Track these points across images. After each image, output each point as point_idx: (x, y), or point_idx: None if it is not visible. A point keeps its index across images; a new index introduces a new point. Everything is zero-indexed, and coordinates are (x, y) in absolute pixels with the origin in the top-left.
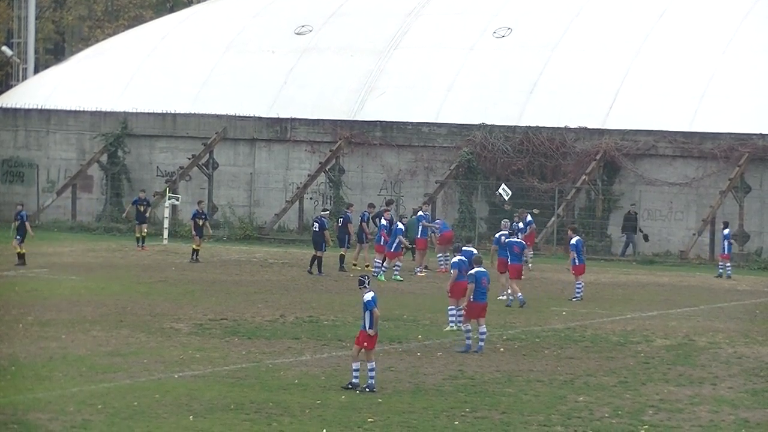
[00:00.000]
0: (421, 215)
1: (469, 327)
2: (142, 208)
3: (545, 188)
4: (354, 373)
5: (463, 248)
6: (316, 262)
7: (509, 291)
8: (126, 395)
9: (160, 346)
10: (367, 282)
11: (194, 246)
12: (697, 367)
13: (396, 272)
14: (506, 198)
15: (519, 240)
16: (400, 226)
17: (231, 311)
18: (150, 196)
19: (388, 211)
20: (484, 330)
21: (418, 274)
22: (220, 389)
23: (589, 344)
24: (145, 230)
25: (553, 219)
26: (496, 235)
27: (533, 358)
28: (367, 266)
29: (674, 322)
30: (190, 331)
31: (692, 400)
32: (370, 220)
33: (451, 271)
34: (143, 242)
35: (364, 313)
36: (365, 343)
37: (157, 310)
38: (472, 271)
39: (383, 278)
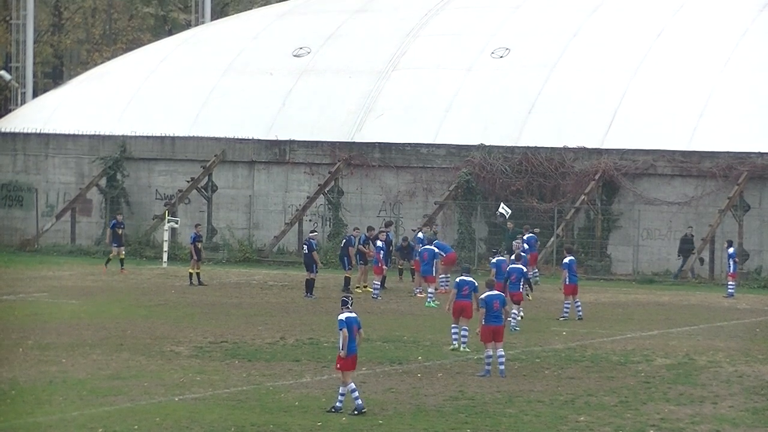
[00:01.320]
0: (420, 237)
1: (489, 352)
2: (120, 231)
3: (544, 208)
4: (339, 397)
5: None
6: (306, 283)
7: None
8: (127, 419)
9: (161, 369)
10: (350, 303)
11: (192, 270)
12: (698, 386)
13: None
14: (506, 216)
15: (519, 267)
16: (433, 248)
17: (231, 334)
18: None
19: (385, 232)
20: (502, 353)
21: (418, 294)
22: (220, 412)
23: (590, 364)
24: (123, 252)
25: (552, 239)
26: (495, 260)
27: (534, 378)
28: (366, 287)
29: (674, 341)
30: (190, 353)
31: (693, 419)
32: (369, 242)
33: (451, 291)
34: (122, 264)
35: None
36: (338, 365)
37: (157, 333)
38: (483, 296)
39: (433, 304)
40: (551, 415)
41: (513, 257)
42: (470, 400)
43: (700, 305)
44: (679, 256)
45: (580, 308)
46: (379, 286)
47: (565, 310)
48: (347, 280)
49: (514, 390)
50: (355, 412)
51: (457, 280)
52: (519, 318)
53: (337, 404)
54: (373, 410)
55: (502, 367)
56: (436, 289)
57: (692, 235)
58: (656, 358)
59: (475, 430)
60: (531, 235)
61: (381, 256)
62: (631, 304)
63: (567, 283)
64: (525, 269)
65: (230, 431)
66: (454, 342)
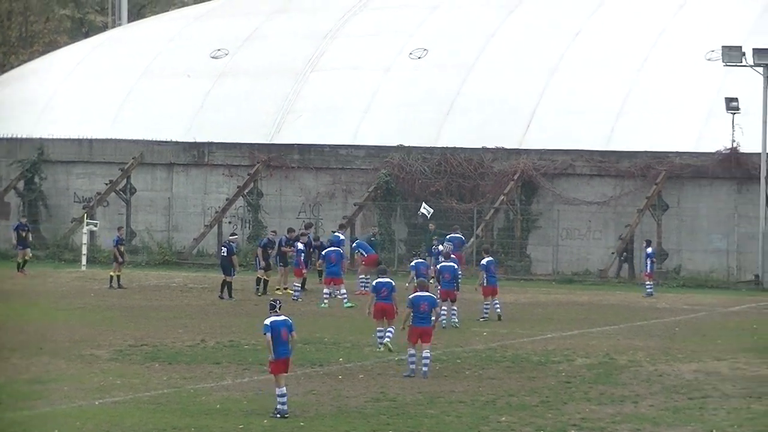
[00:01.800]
0: (338, 237)
1: (413, 351)
2: (23, 234)
3: (464, 209)
4: (279, 399)
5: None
6: (226, 287)
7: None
8: (46, 423)
9: (81, 372)
10: (278, 306)
11: (114, 273)
12: (619, 386)
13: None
14: (428, 216)
15: (451, 264)
16: (339, 249)
17: (151, 337)
18: (29, 223)
19: (306, 234)
20: (427, 354)
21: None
22: (141, 415)
23: (511, 364)
24: (29, 254)
25: (472, 240)
26: (413, 263)
27: (455, 379)
28: (286, 289)
29: (594, 340)
30: (110, 357)
31: (614, 419)
32: (291, 244)
33: (370, 294)
34: (24, 266)
35: None
36: (269, 369)
37: (76, 336)
38: (411, 296)
39: (350, 304)
40: (473, 416)
41: (442, 256)
42: (392, 401)
43: (619, 305)
44: (618, 255)
45: (498, 307)
46: (299, 288)
47: (484, 311)
48: (259, 281)
49: (436, 391)
50: (278, 416)
51: (374, 282)
52: (454, 317)
53: (280, 407)
54: (294, 412)
55: (426, 368)
56: (355, 291)
57: (631, 235)
58: (577, 358)
59: (396, 431)
60: (457, 235)
61: (302, 258)
62: (551, 304)
63: (485, 284)
64: (457, 267)
65: None
66: (380, 344)
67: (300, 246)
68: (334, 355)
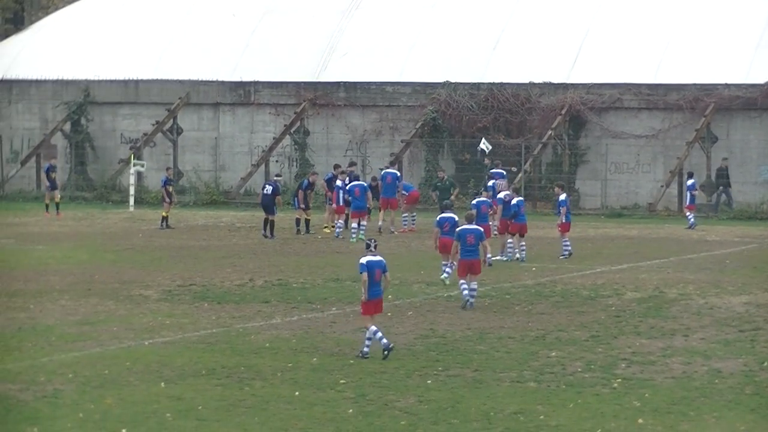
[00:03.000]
0: (395, 173)
1: (464, 284)
2: (53, 175)
3: (511, 144)
4: (366, 342)
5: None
6: (269, 225)
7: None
8: (96, 364)
9: (129, 313)
10: (373, 246)
11: (165, 213)
12: (669, 319)
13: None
14: (487, 151)
15: (520, 199)
16: (364, 183)
17: (199, 276)
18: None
19: (344, 173)
20: (474, 287)
21: (396, 232)
22: (190, 355)
23: (560, 299)
24: (59, 196)
25: (520, 175)
26: (475, 201)
27: (504, 314)
28: (325, 227)
29: (644, 274)
30: (158, 297)
31: (664, 353)
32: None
33: (434, 229)
34: (57, 208)
35: None
36: (361, 310)
37: (125, 277)
38: (458, 229)
39: (357, 238)
40: (522, 351)
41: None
42: (441, 338)
43: (669, 238)
44: (718, 188)
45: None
46: (342, 226)
47: (564, 247)
48: (300, 221)
49: (485, 327)
50: (385, 352)
51: (438, 217)
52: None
53: (365, 349)
54: (343, 350)
55: (472, 299)
56: (392, 231)
57: (727, 166)
58: (626, 292)
59: (446, 367)
60: (499, 170)
61: (341, 196)
62: (600, 238)
63: (564, 221)
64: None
65: (201, 374)
66: (444, 274)
67: (339, 183)
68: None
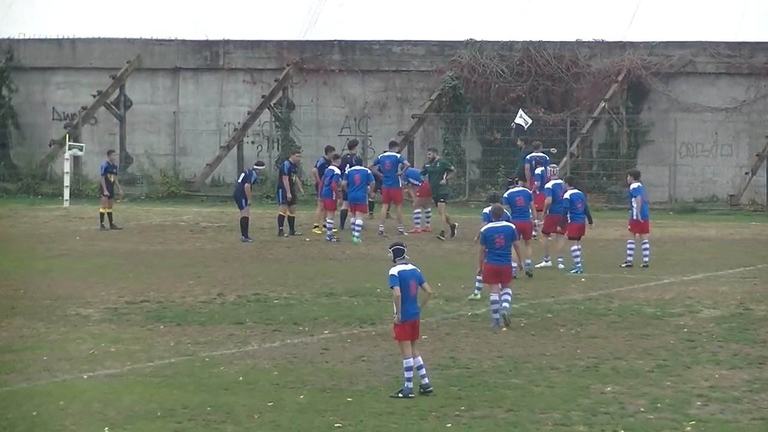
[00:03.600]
0: (394, 156)
1: (495, 297)
2: None
3: (553, 120)
4: (406, 374)
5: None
6: (285, 220)
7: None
8: (22, 403)
9: (65, 338)
10: (404, 251)
11: (103, 209)
12: (756, 344)
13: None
14: (525, 127)
15: (578, 192)
16: (366, 170)
17: (154, 291)
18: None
19: (338, 157)
20: (507, 293)
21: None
22: (142, 392)
23: (617, 319)
24: None
25: (565, 159)
26: (507, 193)
27: (545, 338)
28: (315, 227)
29: (725, 287)
30: (101, 318)
31: (751, 386)
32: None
33: (479, 247)
34: None
35: None
36: (394, 335)
37: (58, 292)
38: (482, 229)
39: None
40: (569, 386)
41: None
42: (464, 368)
43: (756, 240)
44: None
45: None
46: (333, 225)
47: (644, 253)
48: (284, 219)
49: (521, 354)
50: (421, 391)
51: (484, 228)
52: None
53: (407, 384)
54: (338, 385)
55: (506, 312)
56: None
57: None
58: (702, 310)
59: (471, 407)
60: (539, 154)
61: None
62: (668, 240)
63: (637, 218)
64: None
65: (155, 416)
66: (475, 291)
67: (335, 170)
68: (388, 310)
